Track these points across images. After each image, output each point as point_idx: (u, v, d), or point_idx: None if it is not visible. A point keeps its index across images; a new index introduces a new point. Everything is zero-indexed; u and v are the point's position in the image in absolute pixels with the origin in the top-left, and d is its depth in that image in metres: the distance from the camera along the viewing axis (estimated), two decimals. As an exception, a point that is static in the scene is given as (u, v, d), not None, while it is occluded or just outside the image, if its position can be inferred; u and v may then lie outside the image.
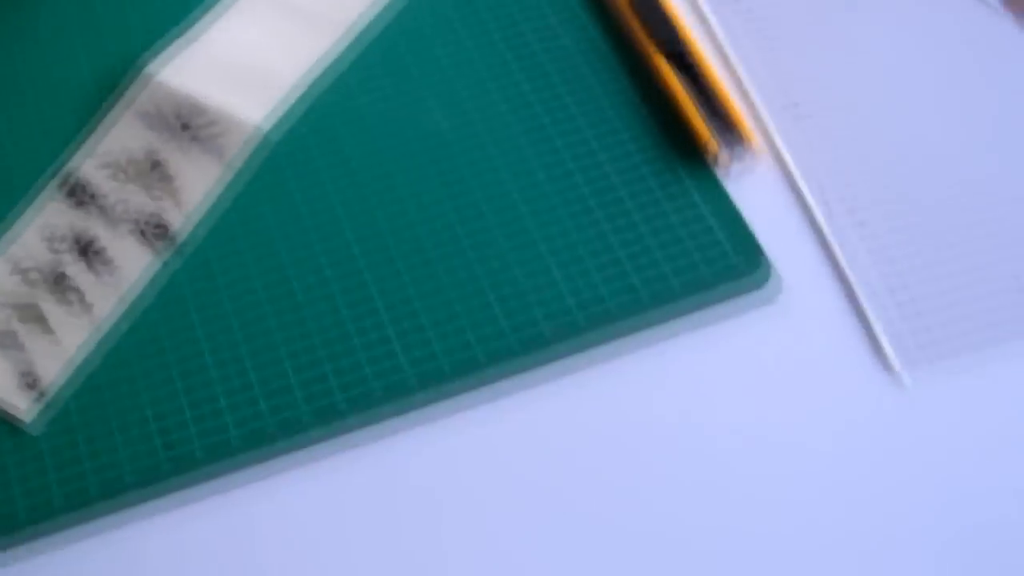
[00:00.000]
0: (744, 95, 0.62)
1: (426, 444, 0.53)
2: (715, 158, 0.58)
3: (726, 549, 0.51)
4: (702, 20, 0.64)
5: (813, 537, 0.51)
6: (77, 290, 0.56)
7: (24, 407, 0.53)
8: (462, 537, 0.51)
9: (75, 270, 0.56)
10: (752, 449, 0.53)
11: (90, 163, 0.59)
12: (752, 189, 0.59)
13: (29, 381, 0.54)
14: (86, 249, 0.57)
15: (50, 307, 0.56)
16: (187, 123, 0.59)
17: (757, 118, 0.61)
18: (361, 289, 0.56)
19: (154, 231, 0.57)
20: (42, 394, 0.53)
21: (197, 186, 0.58)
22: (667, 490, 0.52)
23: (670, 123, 0.60)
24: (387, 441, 0.53)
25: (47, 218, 0.57)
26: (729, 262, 0.56)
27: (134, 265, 0.56)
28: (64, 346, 0.55)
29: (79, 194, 0.58)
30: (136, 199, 0.58)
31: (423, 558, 0.51)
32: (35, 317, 0.55)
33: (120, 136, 0.59)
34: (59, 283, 0.56)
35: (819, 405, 0.54)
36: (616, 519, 0.52)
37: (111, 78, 0.61)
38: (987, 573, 0.50)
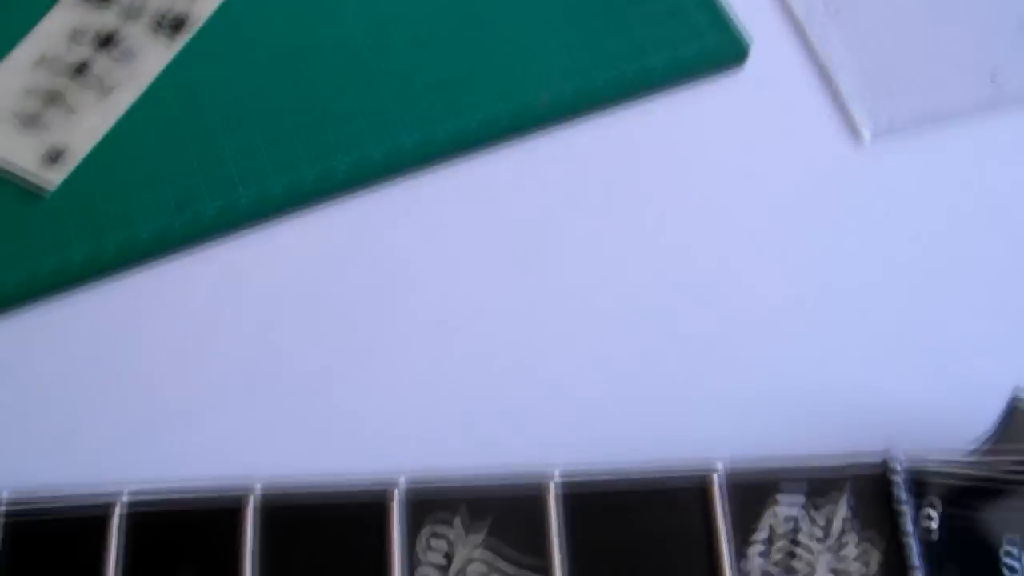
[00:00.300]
0: None
1: (415, 202, 0.57)
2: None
3: (699, 296, 0.54)
4: None
5: (781, 286, 0.54)
6: (98, 77, 0.60)
7: (48, 178, 0.57)
8: (471, 283, 0.55)
9: (96, 60, 0.60)
10: (727, 206, 0.57)
11: (110, -35, 0.63)
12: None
13: (53, 155, 0.58)
14: (107, 42, 0.61)
15: (73, 92, 0.60)
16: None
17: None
18: (360, 63, 0.60)
19: (171, 23, 0.61)
20: (64, 166, 0.57)
21: (210, -17, 0.62)
22: (644, 244, 0.56)
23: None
24: (382, 197, 0.57)
25: (70, 16, 0.61)
26: (707, 42, 0.60)
27: (151, 53, 0.60)
28: (86, 125, 0.59)
29: (100, -6, 0.62)
30: (154, -3, 0.62)
31: (422, 302, 0.55)
32: (59, 101, 0.59)
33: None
34: (81, 72, 0.60)
35: (788, 169, 0.58)
36: (591, 274, 0.55)
37: None
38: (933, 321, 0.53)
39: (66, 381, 0.53)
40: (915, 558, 0.41)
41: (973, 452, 0.44)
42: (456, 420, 0.50)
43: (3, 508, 0.41)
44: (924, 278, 0.54)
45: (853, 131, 0.58)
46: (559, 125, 0.58)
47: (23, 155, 0.58)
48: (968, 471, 0.44)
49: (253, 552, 0.40)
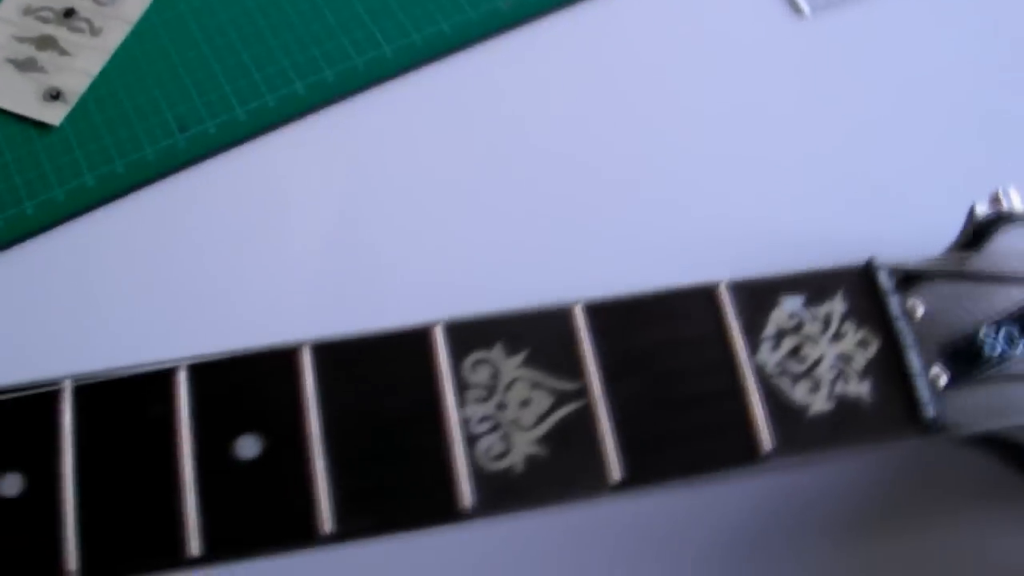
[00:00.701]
0: None
1: (397, 106, 0.62)
2: None
3: (677, 159, 0.59)
4: None
5: (745, 146, 0.60)
6: (87, 20, 0.64)
7: (50, 115, 0.60)
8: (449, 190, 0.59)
9: (83, 5, 0.64)
10: (688, 82, 0.62)
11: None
12: None
13: (52, 94, 0.61)
14: (90, -12, 0.64)
15: (64, 36, 0.63)
16: None
17: None
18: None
19: (150, -35, 0.65)
20: (65, 104, 0.61)
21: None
22: (627, 115, 0.61)
23: None
24: (367, 104, 0.61)
25: (51, -32, 0.65)
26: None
27: (134, -6, 0.64)
28: (80, 64, 0.62)
29: (77, -56, 0.66)
30: (129, -57, 0.65)
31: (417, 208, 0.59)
32: (51, 45, 0.63)
33: None
34: (69, 16, 0.64)
35: (739, 45, 0.63)
36: (572, 147, 0.60)
37: None
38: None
39: (94, 291, 0.56)
40: (907, 339, 0.46)
41: (944, 255, 0.49)
42: (481, 273, 0.55)
43: (70, 384, 0.44)
44: (878, 131, 0.59)
45: (794, 7, 0.63)
46: (524, 25, 0.63)
47: (23, 96, 0.61)
48: (942, 267, 0.49)
49: (315, 387, 0.44)
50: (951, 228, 0.51)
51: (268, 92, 0.60)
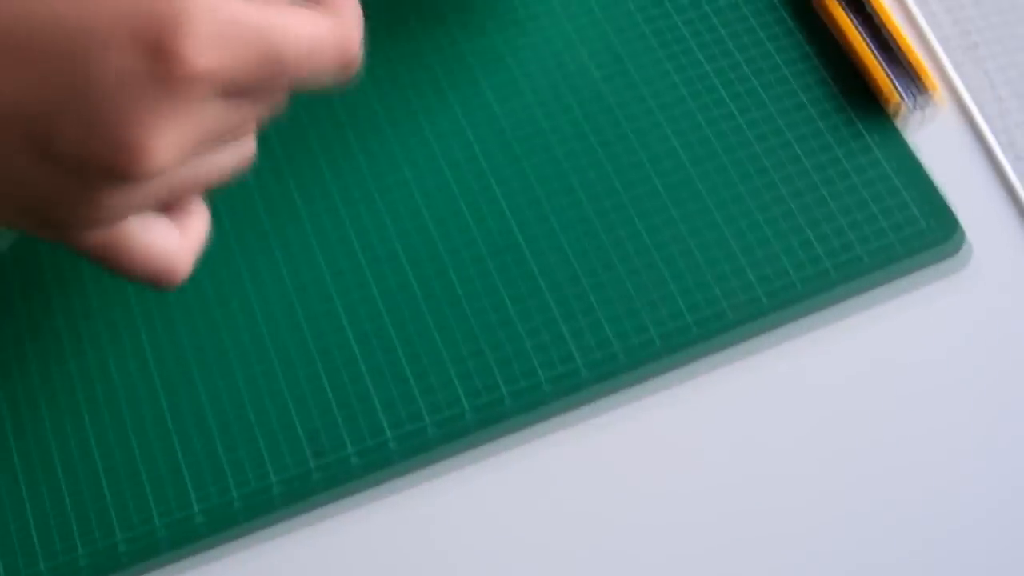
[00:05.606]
0: (919, 35, 0.55)
1: (601, 434, 0.49)
2: (896, 110, 0.52)
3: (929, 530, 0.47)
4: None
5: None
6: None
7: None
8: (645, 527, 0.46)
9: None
10: (948, 429, 0.48)
11: None
12: (934, 142, 0.53)
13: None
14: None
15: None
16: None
17: (934, 59, 0.55)
18: (523, 268, 0.50)
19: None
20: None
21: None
22: (862, 466, 0.48)
23: (845, 72, 0.54)
24: (557, 437, 0.48)
25: None
26: (919, 227, 0.51)
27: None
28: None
29: None
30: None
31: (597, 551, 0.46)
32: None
33: None
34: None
35: (1020, 389, 0.49)
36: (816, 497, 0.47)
37: None
38: None
39: None
40: None
41: None
42: None
43: None
44: None
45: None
46: (755, 338, 0.49)
47: None
48: None
49: None
50: None
51: (431, 420, 0.47)
